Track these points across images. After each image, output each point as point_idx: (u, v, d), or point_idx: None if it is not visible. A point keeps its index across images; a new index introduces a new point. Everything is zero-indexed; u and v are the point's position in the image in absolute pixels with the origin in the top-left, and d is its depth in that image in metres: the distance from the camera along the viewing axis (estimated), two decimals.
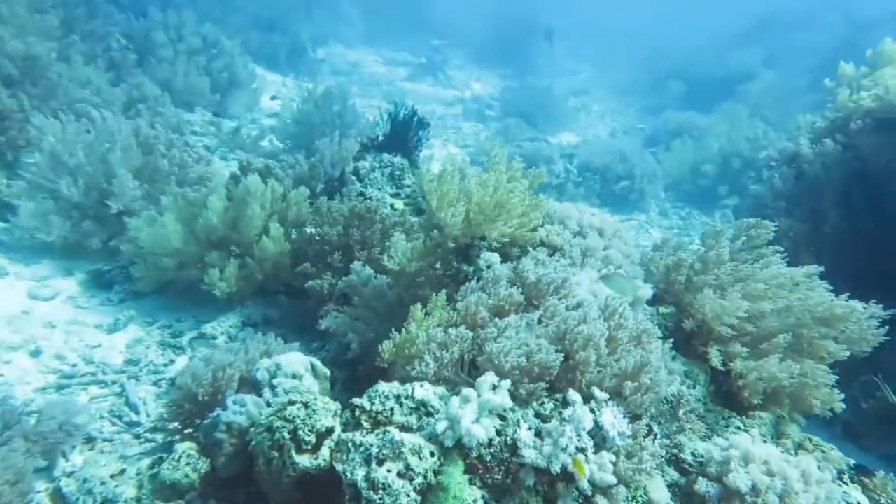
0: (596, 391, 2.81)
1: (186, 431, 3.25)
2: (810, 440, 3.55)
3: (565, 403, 2.79)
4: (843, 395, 3.44)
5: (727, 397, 3.59)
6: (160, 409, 3.88)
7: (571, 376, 2.86)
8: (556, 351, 2.81)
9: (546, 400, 2.82)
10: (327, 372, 3.37)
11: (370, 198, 5.48)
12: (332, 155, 5.80)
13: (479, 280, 3.46)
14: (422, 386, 2.83)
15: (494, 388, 2.71)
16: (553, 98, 19.17)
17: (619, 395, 2.85)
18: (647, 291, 3.58)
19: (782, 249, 3.75)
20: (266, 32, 17.03)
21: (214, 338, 4.92)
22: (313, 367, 3.28)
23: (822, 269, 3.73)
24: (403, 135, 6.20)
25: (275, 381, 3.07)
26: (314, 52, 19.01)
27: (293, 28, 18.48)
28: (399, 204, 5.61)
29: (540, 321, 3.09)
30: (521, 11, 26.71)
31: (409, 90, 19.10)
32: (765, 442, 3.16)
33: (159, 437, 3.94)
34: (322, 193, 5.79)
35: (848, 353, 3.47)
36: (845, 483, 3.22)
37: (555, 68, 25.10)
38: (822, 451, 3.51)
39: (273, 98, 13.70)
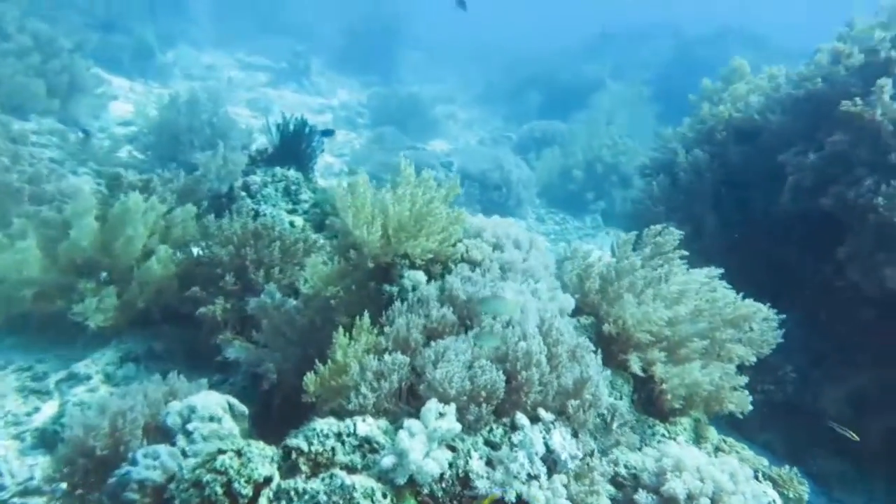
0: (542, 412, 2.78)
1: (80, 493, 2.83)
2: (725, 441, 3.76)
3: (513, 427, 2.74)
4: (751, 397, 3.68)
5: (647, 403, 3.72)
6: (45, 468, 3.36)
7: (516, 398, 2.81)
8: (498, 371, 2.75)
9: (494, 425, 2.75)
10: (245, 410, 3.09)
11: (265, 214, 5.14)
12: (217, 169, 5.38)
13: (404, 301, 3.33)
14: (364, 420, 2.66)
15: (441, 415, 2.60)
16: (423, 106, 19.53)
17: (562, 414, 2.85)
18: (569, 302, 3.63)
19: (687, 254, 3.96)
20: (105, 32, 15.58)
21: (89, 378, 4.38)
22: (230, 407, 2.98)
23: (721, 270, 3.97)
24: (295, 147, 5.91)
25: (189, 427, 2.75)
26: (163, 55, 17.77)
27: (136, 28, 17.20)
28: (298, 220, 5.32)
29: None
30: (382, 18, 27.03)
31: (272, 96, 18.49)
32: (689, 447, 3.31)
33: (34, 501, 3.42)
34: (208, 211, 5.36)
35: (755, 358, 3.71)
36: (760, 481, 3.43)
37: (419, 75, 25.57)
38: (737, 452, 3.74)
39: (122, 104, 12.61)
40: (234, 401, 3.04)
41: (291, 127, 6.02)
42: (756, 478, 3.44)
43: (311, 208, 5.59)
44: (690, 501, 2.89)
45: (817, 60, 6.77)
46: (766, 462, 3.68)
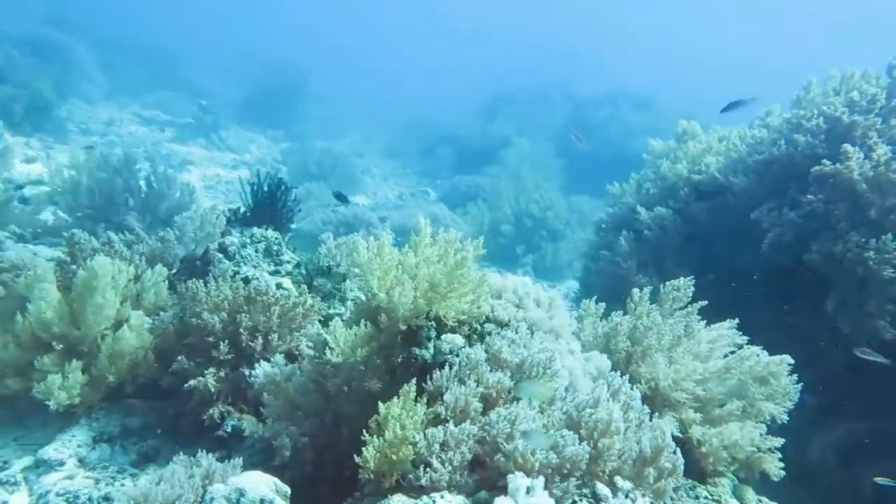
0: (619, 481, 2.70)
1: None
2: (760, 501, 3.78)
3: (595, 499, 2.64)
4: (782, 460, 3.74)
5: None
6: None
7: (594, 466, 2.72)
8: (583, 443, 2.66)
9: (577, 498, 2.63)
10: (287, 490, 2.83)
11: (253, 278, 4.88)
12: (193, 230, 5.08)
13: (447, 366, 3.21)
14: (442, 497, 2.49)
15: (528, 490, 2.47)
16: (341, 161, 19.70)
17: (638, 480, 2.77)
18: (606, 363, 3.61)
19: (705, 303, 4.05)
20: None
21: (62, 463, 3.91)
22: (276, 487, 2.73)
23: (737, 320, 4.07)
24: (270, 206, 5.71)
25: None
26: (58, 109, 16.98)
27: (28, 80, 16.42)
28: (286, 282, 5.08)
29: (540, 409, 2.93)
30: (284, 73, 27.97)
31: (181, 152, 18.00)
32: None
33: None
34: (180, 275, 5.04)
35: (786, 416, 3.79)
36: None
37: (324, 131, 26.01)
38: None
39: (23, 163, 11.85)
40: (277, 481, 2.79)
41: (265, 186, 5.83)
42: None
43: (294, 269, 5.37)
44: None
45: (769, 123, 7.33)
46: None
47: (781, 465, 3.67)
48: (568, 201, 17.59)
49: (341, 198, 6.76)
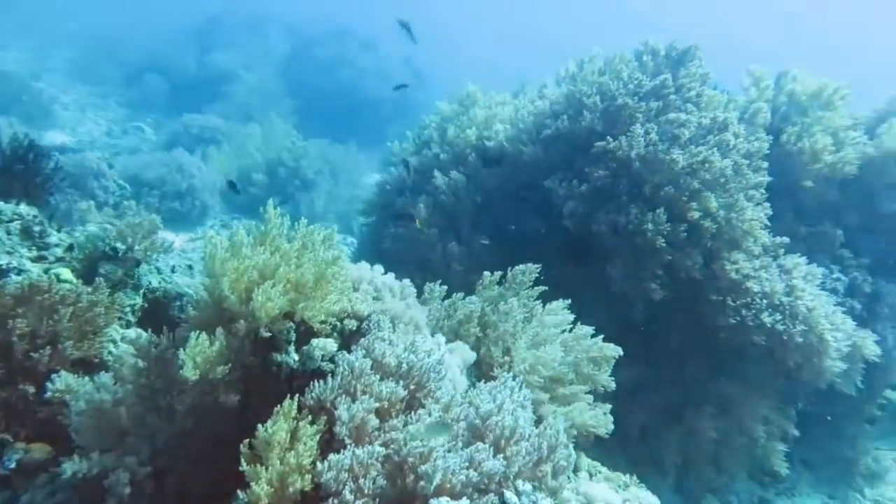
0: (521, 484, 2.80)
1: None
2: (594, 465, 4.23)
3: None
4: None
5: None
6: None
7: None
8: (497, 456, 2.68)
9: None
10: None
11: (1, 268, 3.93)
12: None
13: (329, 376, 2.98)
14: None
15: None
16: (20, 85, 16.64)
17: (536, 480, 2.90)
18: (471, 355, 3.66)
19: (546, 289, 4.31)
20: None
21: None
22: None
23: (568, 301, 4.41)
24: (23, 174, 4.65)
25: None
26: None
27: None
28: (65, 272, 4.18)
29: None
30: None
31: None
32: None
33: None
34: None
35: (614, 384, 4.24)
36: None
37: None
38: (599, 472, 4.24)
39: None
40: None
41: (9, 150, 4.71)
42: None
43: (67, 254, 4.47)
44: None
45: (547, 95, 7.95)
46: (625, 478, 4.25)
47: (612, 427, 4.14)
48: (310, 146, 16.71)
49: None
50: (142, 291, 4.62)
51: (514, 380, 3.09)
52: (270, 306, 3.05)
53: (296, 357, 3.23)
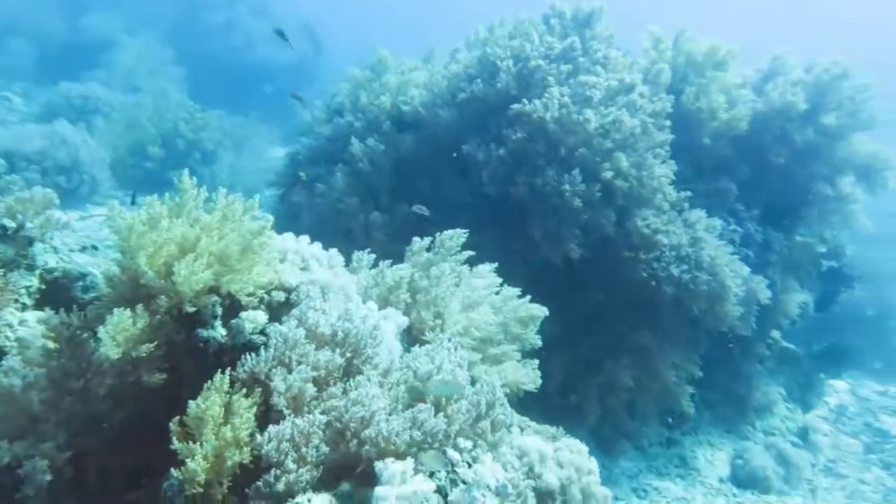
0: (461, 441, 2.83)
1: None
2: (523, 420, 4.32)
3: (449, 464, 2.72)
4: None
5: None
6: None
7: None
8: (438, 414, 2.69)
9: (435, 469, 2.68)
10: None
11: None
12: None
13: (261, 348, 2.89)
14: (309, 501, 2.33)
15: (403, 476, 2.44)
16: None
17: (476, 436, 2.94)
18: (404, 320, 3.64)
19: (473, 254, 4.32)
20: None
21: None
22: None
23: (495, 264, 4.46)
24: None
25: None
26: None
27: None
28: None
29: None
30: None
31: None
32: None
33: None
34: None
35: (540, 342, 4.34)
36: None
37: None
38: (529, 426, 4.34)
39: None
40: None
41: None
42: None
43: None
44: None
45: (461, 59, 7.91)
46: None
47: (540, 382, 4.25)
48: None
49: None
50: (38, 272, 4.28)
51: (449, 341, 3.10)
52: (195, 280, 2.91)
53: (223, 332, 3.11)
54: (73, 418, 3.01)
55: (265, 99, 19.04)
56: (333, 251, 3.95)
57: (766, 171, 8.77)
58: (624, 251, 6.59)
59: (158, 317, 3.00)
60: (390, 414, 2.67)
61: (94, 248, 5.54)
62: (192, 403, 2.62)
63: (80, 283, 4.51)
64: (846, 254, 11.03)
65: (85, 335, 2.99)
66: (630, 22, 9.34)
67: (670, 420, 8.51)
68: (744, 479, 8.24)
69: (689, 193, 7.10)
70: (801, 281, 9.64)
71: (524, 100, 6.47)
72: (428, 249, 4.27)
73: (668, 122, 6.97)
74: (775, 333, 9.81)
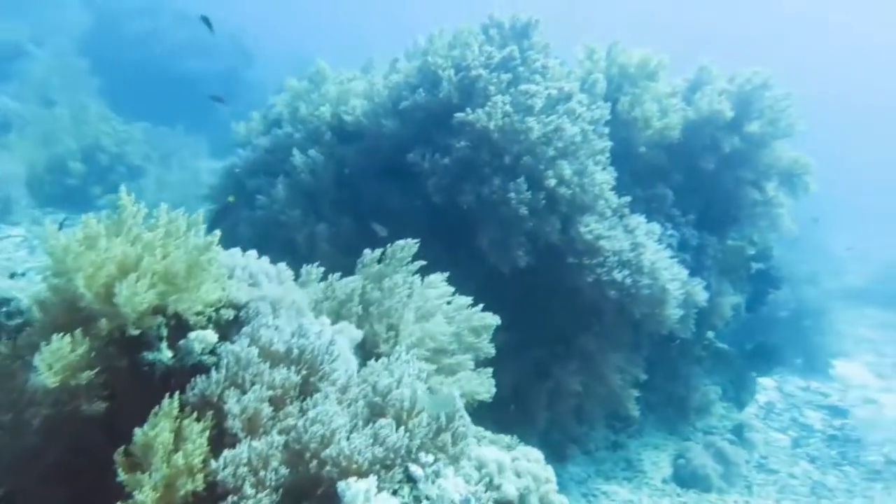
0: (423, 455, 2.77)
1: None
2: (478, 432, 4.29)
3: (411, 480, 2.66)
4: None
5: None
6: None
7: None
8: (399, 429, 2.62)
9: (397, 486, 2.61)
10: None
11: None
12: None
13: (213, 370, 2.76)
14: None
15: (366, 496, 2.37)
16: None
17: (436, 450, 2.88)
18: (358, 334, 3.55)
19: (425, 263, 4.27)
20: None
21: None
22: None
23: (446, 274, 4.42)
24: None
25: None
26: None
27: None
28: None
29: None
30: None
31: None
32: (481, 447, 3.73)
33: None
34: None
35: (494, 350, 4.32)
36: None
37: None
38: (484, 436, 4.31)
39: None
40: None
41: None
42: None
43: None
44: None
45: (401, 69, 7.87)
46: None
47: (494, 390, 4.23)
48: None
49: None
50: None
51: (407, 353, 3.03)
52: (138, 301, 2.75)
53: (169, 353, 2.96)
54: (3, 453, 2.80)
55: (191, 109, 18.41)
56: (282, 265, 3.83)
57: (698, 177, 9.06)
58: (569, 257, 6.67)
59: (99, 341, 2.82)
60: (351, 431, 2.58)
61: (21, 273, 5.22)
62: (138, 431, 2.48)
63: (4, 309, 4.23)
64: (773, 256, 11.51)
65: (16, 364, 2.79)
66: (563, 33, 9.52)
67: (616, 424, 8.66)
68: (686, 478, 8.44)
69: (629, 199, 7.25)
70: (734, 283, 9.98)
71: (467, 109, 6.48)
72: (379, 261, 4.20)
73: (606, 130, 7.11)
74: (710, 335, 10.13)
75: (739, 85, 9.37)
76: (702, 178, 9.18)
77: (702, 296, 7.89)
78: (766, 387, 12.57)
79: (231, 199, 7.69)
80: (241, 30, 24.74)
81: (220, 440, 2.58)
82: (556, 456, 7.76)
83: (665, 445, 9.20)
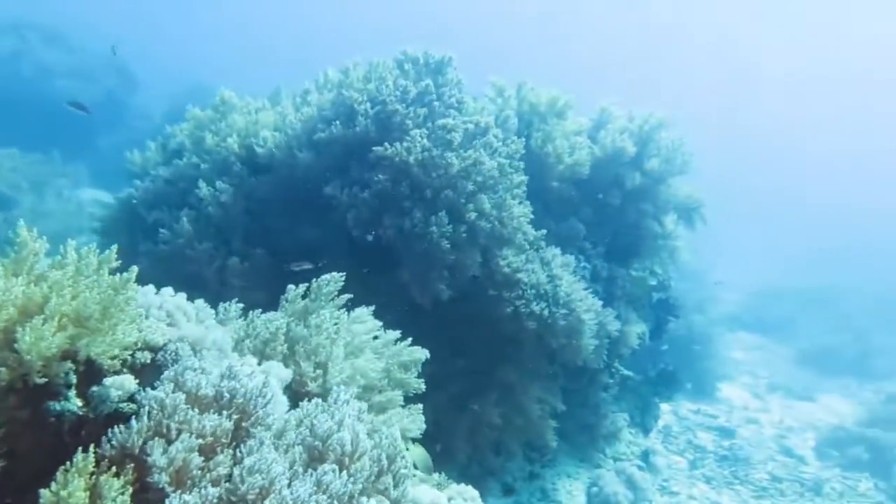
0: (365, 500, 2.63)
1: None
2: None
3: None
4: None
5: None
6: None
7: None
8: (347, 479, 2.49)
9: None
10: None
11: None
12: None
13: (133, 419, 2.52)
14: None
15: None
16: None
17: (377, 492, 2.75)
18: (287, 374, 3.37)
19: (351, 296, 4.14)
20: None
21: None
22: None
23: (372, 308, 4.31)
24: None
25: None
26: None
27: None
28: None
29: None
30: None
31: None
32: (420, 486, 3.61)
33: None
34: None
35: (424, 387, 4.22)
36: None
37: None
38: (415, 475, 4.19)
39: None
40: None
41: None
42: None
43: None
44: None
45: (314, 101, 7.74)
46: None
47: (424, 426, 4.12)
48: None
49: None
50: None
51: (345, 393, 2.90)
52: (44, 346, 2.48)
53: (79, 402, 2.68)
54: None
55: (66, 136, 17.22)
56: (200, 302, 3.61)
57: (605, 212, 9.43)
58: (489, 290, 6.70)
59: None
60: (291, 479, 2.42)
61: None
62: (45, 492, 2.21)
63: None
64: (672, 286, 12.10)
65: None
66: (471, 70, 9.72)
67: (532, 454, 8.70)
68: None
69: (544, 232, 7.40)
70: (638, 312, 10.39)
71: (385, 143, 6.44)
72: (304, 296, 4.04)
73: (522, 164, 7.26)
74: (617, 363, 10.46)
75: (639, 125, 9.88)
76: (609, 212, 9.56)
77: (614, 325, 8.14)
78: (663, 410, 13.12)
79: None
80: (123, 52, 23.54)
81: (143, 497, 2.35)
82: (476, 489, 7.69)
83: (578, 473, 9.33)
